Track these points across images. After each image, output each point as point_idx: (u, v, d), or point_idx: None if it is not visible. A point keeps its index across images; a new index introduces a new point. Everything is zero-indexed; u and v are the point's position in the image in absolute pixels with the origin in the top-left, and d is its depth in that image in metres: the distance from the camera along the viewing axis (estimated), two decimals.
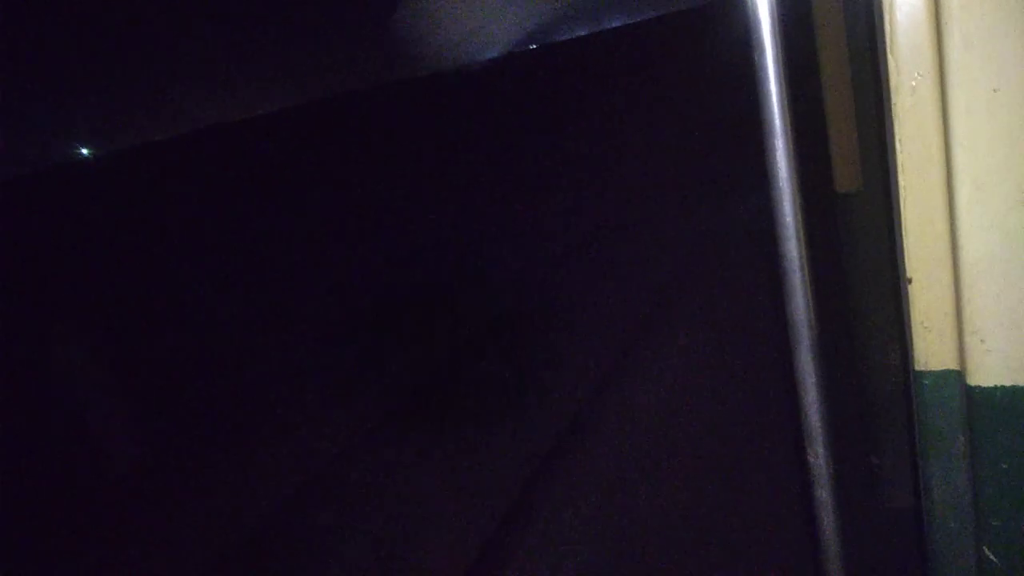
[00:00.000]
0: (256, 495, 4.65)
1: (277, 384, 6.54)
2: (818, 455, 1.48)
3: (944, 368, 1.34)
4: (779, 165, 1.30)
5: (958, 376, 1.33)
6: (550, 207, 10.79)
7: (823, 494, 1.50)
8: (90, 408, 7.15)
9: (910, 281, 1.30)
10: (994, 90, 1.12)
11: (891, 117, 1.22)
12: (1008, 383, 1.28)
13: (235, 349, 7.93)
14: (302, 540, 4.06)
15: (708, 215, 7.99)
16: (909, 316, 1.34)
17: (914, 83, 1.18)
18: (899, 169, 1.24)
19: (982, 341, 1.27)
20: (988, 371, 1.29)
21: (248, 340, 8.08)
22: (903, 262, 1.31)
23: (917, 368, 1.37)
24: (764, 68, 1.22)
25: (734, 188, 8.14)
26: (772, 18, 1.23)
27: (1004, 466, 1.35)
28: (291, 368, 6.87)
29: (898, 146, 1.22)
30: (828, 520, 1.51)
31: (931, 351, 1.34)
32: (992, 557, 1.43)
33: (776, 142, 1.26)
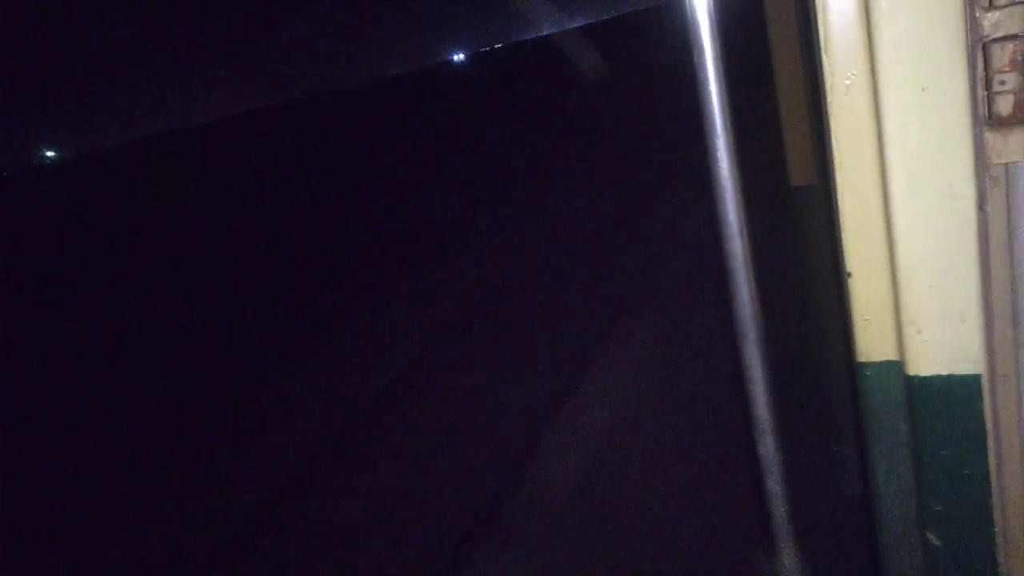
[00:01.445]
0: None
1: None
2: (768, 446, 1.51)
3: (885, 359, 1.37)
4: (721, 165, 1.32)
5: (898, 367, 1.36)
6: (499, 217, 10.77)
7: (775, 485, 1.53)
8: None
9: (850, 275, 1.33)
10: (923, 89, 1.15)
11: (827, 116, 1.24)
12: (945, 372, 1.32)
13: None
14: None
15: (662, 217, 8.05)
16: (850, 309, 1.38)
17: (847, 82, 1.21)
18: (836, 166, 1.26)
19: (919, 332, 1.30)
20: (926, 361, 1.33)
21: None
22: (842, 256, 1.34)
23: (859, 359, 1.40)
24: (704, 69, 1.24)
25: (686, 190, 8.21)
26: (710, 20, 1.25)
27: (944, 452, 1.39)
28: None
29: (834, 144, 1.25)
30: (780, 510, 1.54)
31: (872, 343, 1.37)
32: (936, 541, 1.47)
33: (717, 142, 1.28)
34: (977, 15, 1.18)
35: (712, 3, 1.24)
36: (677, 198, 8.12)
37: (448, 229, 11.14)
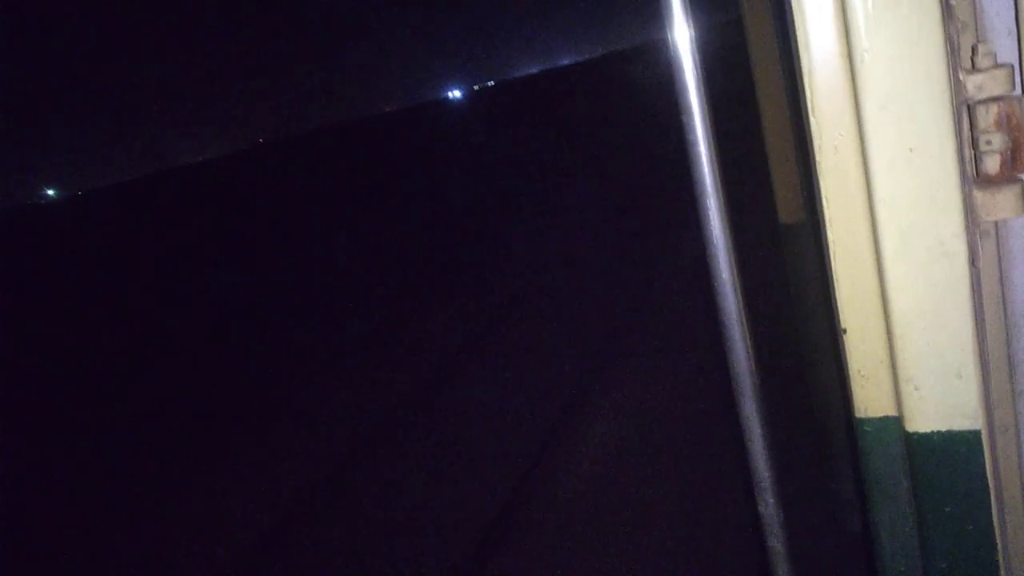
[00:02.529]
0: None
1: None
2: (768, 505, 1.49)
3: (883, 415, 1.37)
4: (711, 213, 1.32)
5: (896, 422, 1.36)
6: (495, 247, 10.84)
7: (776, 544, 1.51)
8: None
9: (845, 331, 1.33)
10: (910, 149, 1.17)
11: (816, 176, 1.25)
12: (944, 428, 1.32)
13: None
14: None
15: (652, 254, 8.09)
16: (847, 365, 1.37)
17: (835, 144, 1.22)
18: (828, 225, 1.27)
19: (916, 388, 1.30)
20: (924, 417, 1.32)
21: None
22: (837, 312, 1.34)
23: (858, 415, 1.40)
24: (689, 113, 1.25)
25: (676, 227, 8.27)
26: (694, 61, 1.26)
27: (947, 509, 1.38)
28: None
29: (825, 204, 1.26)
30: (783, 569, 1.52)
31: (869, 398, 1.37)
32: None
33: (708, 202, 1.29)
34: (961, 77, 1.20)
35: (695, 46, 1.25)
36: (677, 217, 8.19)
37: (458, 246, 11.23)
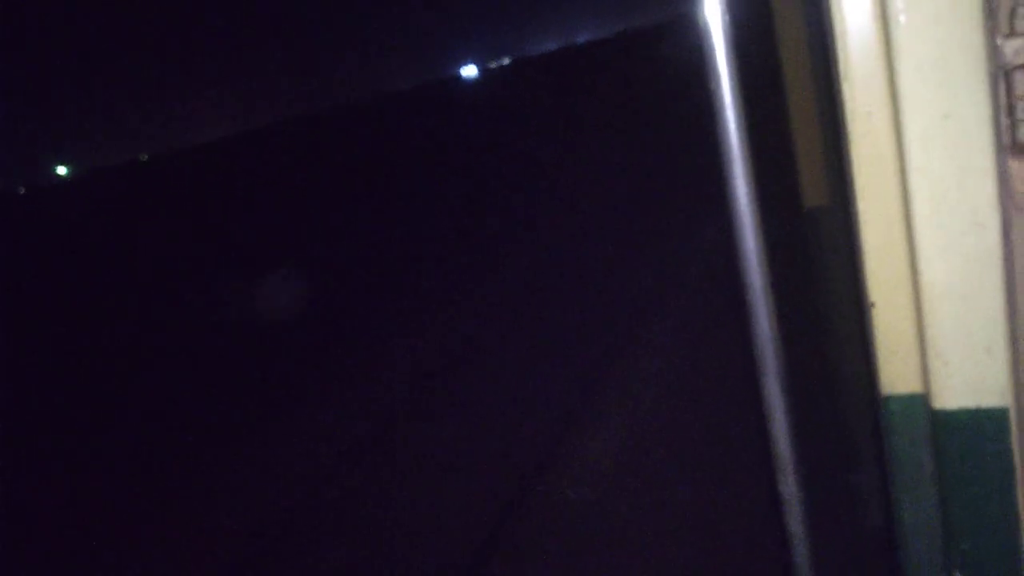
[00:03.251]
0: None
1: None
2: (790, 485, 1.46)
3: (910, 392, 1.34)
4: (739, 191, 1.29)
5: (923, 399, 1.33)
6: (510, 237, 10.77)
7: (796, 526, 1.48)
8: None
9: (873, 305, 1.30)
10: (945, 116, 1.13)
11: (848, 143, 1.22)
12: (972, 405, 1.28)
13: None
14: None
15: (673, 238, 8.02)
16: (874, 340, 1.34)
17: (868, 110, 1.18)
18: (858, 194, 1.24)
19: (945, 364, 1.27)
20: (952, 394, 1.29)
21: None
22: (864, 286, 1.31)
23: (883, 392, 1.36)
24: (718, 87, 1.22)
25: (698, 211, 8.20)
26: (725, 36, 1.22)
27: (972, 489, 1.35)
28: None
29: (856, 172, 1.22)
30: (802, 551, 1.49)
31: (896, 375, 1.33)
32: None
33: (735, 168, 1.25)
34: (999, 42, 1.16)
35: (727, 19, 1.22)
36: (698, 206, 8.10)
37: (469, 234, 11.18)
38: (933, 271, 1.22)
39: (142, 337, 10.18)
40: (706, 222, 7.61)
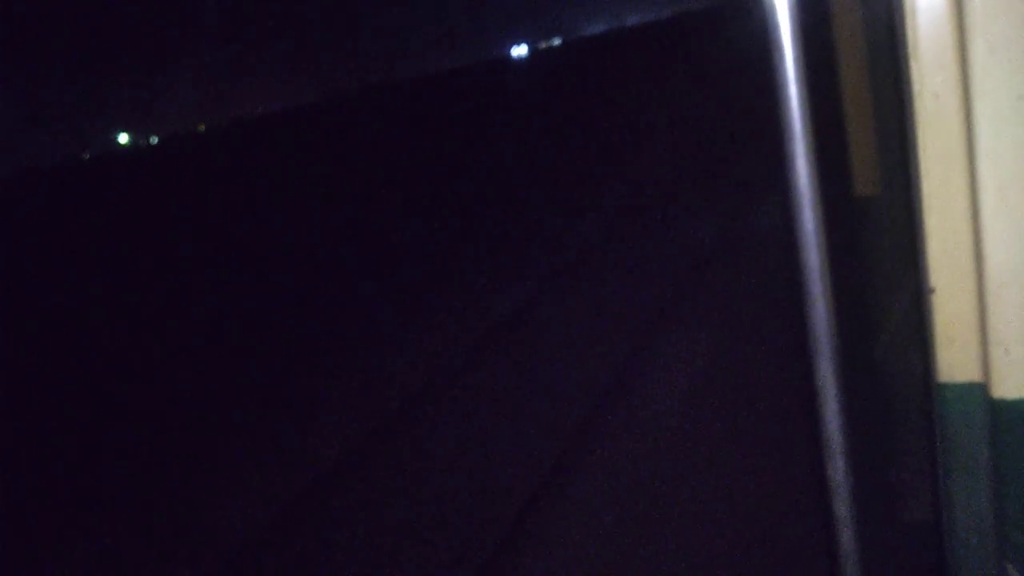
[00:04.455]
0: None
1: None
2: (838, 469, 1.45)
3: (968, 380, 1.31)
4: (798, 170, 1.27)
5: (982, 388, 1.30)
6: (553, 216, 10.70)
7: (842, 509, 1.46)
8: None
9: (933, 291, 1.28)
10: (1019, 97, 1.10)
11: (913, 123, 1.19)
12: None
13: None
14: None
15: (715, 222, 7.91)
16: (932, 326, 1.32)
17: (937, 89, 1.16)
18: (922, 176, 1.21)
19: (1007, 352, 1.24)
20: (1012, 382, 1.26)
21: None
22: (925, 271, 1.28)
23: (940, 380, 1.34)
24: (783, 69, 1.20)
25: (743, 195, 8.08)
26: (791, 16, 1.20)
27: None
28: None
29: (921, 153, 1.19)
30: (847, 536, 1.48)
31: (954, 362, 1.31)
32: (1015, 573, 1.40)
33: (795, 147, 1.23)
34: None
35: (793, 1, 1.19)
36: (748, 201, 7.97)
37: (485, 227, 11.14)
38: (998, 257, 1.19)
39: (189, 314, 10.33)
40: (757, 208, 7.49)
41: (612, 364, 5.21)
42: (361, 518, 4.13)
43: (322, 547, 3.94)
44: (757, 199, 7.46)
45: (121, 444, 5.96)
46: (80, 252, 20.01)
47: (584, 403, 4.76)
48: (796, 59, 1.22)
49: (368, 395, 5.74)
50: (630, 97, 23.54)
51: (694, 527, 3.34)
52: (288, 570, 3.86)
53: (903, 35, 1.18)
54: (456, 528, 3.81)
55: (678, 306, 6.04)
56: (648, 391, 4.73)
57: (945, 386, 1.33)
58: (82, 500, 5.21)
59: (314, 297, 9.25)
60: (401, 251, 10.56)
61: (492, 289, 7.72)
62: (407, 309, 7.71)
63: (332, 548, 3.91)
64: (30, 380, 8.37)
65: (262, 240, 14.47)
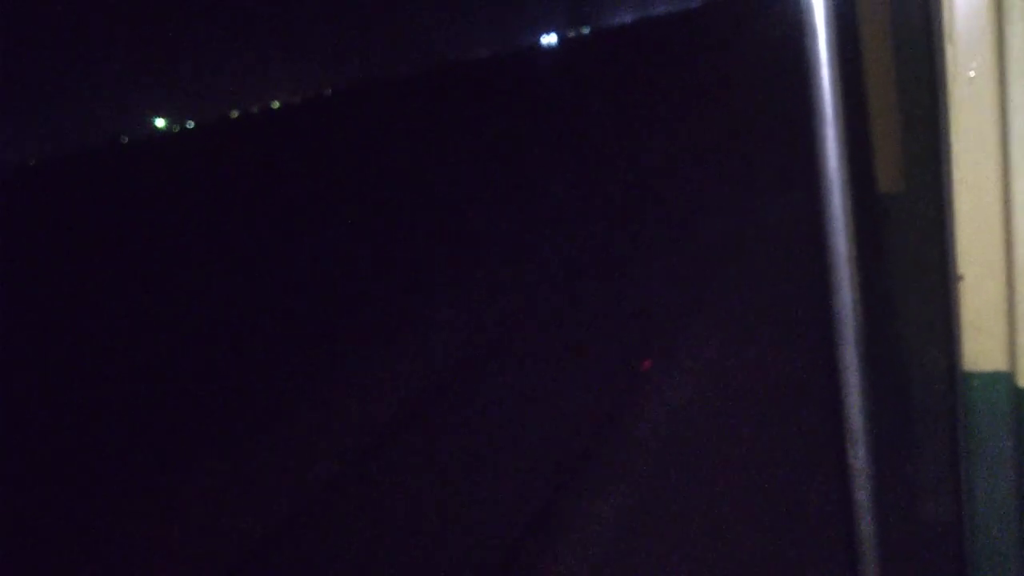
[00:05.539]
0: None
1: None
2: (859, 456, 1.44)
3: (994, 369, 1.30)
4: (830, 157, 1.26)
5: (1008, 377, 1.29)
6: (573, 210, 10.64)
7: (863, 497, 1.46)
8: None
9: (961, 278, 1.26)
10: None
11: (946, 109, 1.18)
12: None
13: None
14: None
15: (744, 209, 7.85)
16: (959, 315, 1.31)
17: (972, 74, 1.14)
18: (954, 162, 1.20)
19: None
20: None
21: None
22: (954, 259, 1.27)
23: (966, 369, 1.33)
24: (815, 55, 1.19)
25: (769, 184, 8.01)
26: (824, 3, 1.19)
27: None
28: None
29: (953, 139, 1.18)
30: (867, 524, 1.47)
31: (981, 351, 1.30)
32: None
33: (827, 131, 1.22)
34: None
35: None
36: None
37: (505, 221, 11.07)
38: None
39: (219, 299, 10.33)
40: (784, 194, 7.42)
41: (637, 351, 5.21)
42: (363, 521, 4.11)
43: (324, 547, 3.92)
44: (786, 185, 7.39)
45: (121, 443, 5.90)
46: (118, 234, 20.23)
47: (608, 393, 4.77)
48: (828, 45, 1.21)
49: (374, 393, 5.72)
50: (658, 87, 23.35)
51: (718, 512, 3.34)
52: (290, 569, 3.85)
53: (939, 19, 1.17)
54: (461, 531, 3.80)
55: (705, 293, 6.04)
56: (672, 378, 4.73)
57: (971, 375, 1.32)
58: (81, 499, 5.15)
59: (332, 288, 9.27)
60: (416, 245, 10.55)
61: (510, 284, 7.70)
62: (418, 307, 7.67)
63: (334, 549, 3.89)
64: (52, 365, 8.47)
65: (286, 229, 14.50)
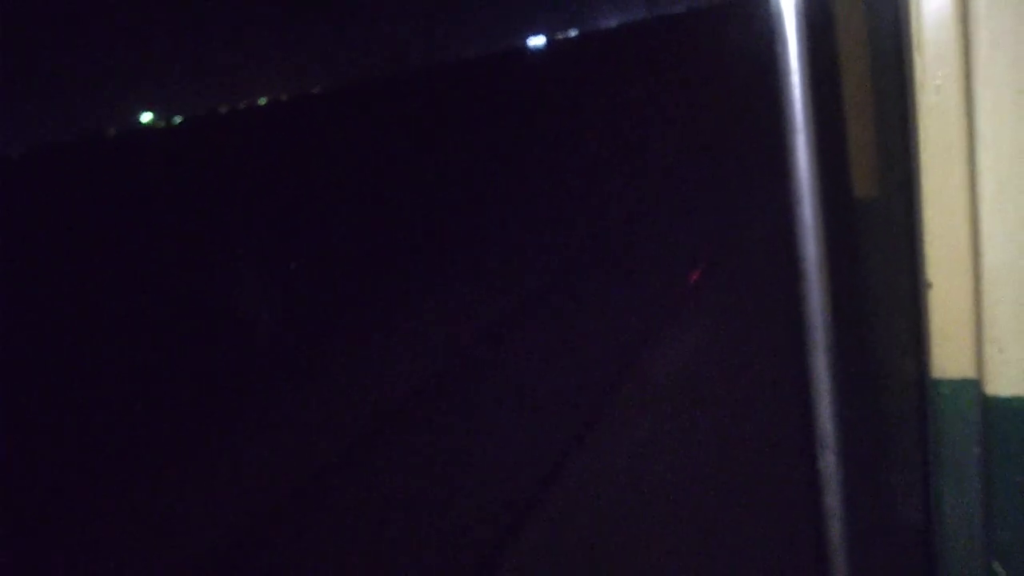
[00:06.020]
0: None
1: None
2: (829, 462, 1.45)
3: (962, 376, 1.31)
4: (800, 164, 1.27)
5: (976, 385, 1.30)
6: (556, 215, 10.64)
7: (833, 502, 1.46)
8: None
9: (930, 286, 1.27)
10: (1020, 91, 1.09)
11: (915, 117, 1.19)
12: None
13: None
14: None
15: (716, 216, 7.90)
16: (927, 322, 1.31)
17: (939, 82, 1.15)
18: (922, 170, 1.21)
19: (1000, 351, 1.24)
20: (1006, 380, 1.26)
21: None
22: (922, 266, 1.28)
23: (934, 376, 1.34)
24: (786, 62, 1.19)
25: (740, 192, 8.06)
26: (796, 11, 1.20)
27: (1018, 478, 1.32)
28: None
29: (922, 147, 1.19)
30: (836, 529, 1.48)
31: (949, 358, 1.31)
32: (1002, 571, 1.40)
33: (797, 139, 1.23)
34: None
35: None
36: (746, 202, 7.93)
37: (514, 212, 11.05)
38: (996, 253, 1.19)
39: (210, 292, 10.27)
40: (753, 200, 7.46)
41: (613, 360, 5.21)
42: (358, 517, 4.09)
43: (320, 544, 3.91)
44: (757, 192, 7.44)
45: (120, 441, 5.87)
46: (105, 225, 20.10)
47: (584, 399, 4.77)
48: (800, 53, 1.22)
49: (373, 388, 5.71)
50: (637, 91, 23.48)
51: (688, 516, 3.35)
52: (283, 564, 3.84)
53: (907, 29, 1.17)
54: (452, 527, 3.79)
55: (677, 300, 6.05)
56: (645, 385, 4.74)
57: (939, 382, 1.33)
58: (78, 498, 5.09)
59: (324, 284, 9.24)
60: (411, 240, 10.53)
61: (500, 283, 7.69)
62: (414, 300, 7.67)
63: (328, 546, 3.88)
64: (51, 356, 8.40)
65: (273, 228, 14.45)
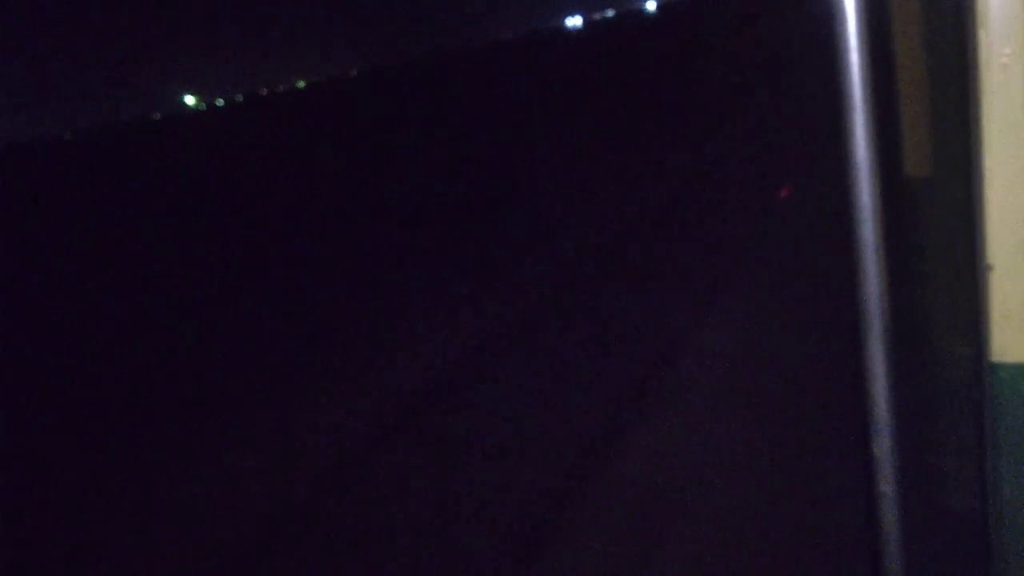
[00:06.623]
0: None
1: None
2: (884, 448, 1.43)
3: (1022, 360, 1.28)
4: (858, 143, 1.24)
5: None
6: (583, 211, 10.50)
7: (888, 489, 1.45)
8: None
9: (991, 268, 1.25)
10: None
11: (977, 95, 1.16)
12: None
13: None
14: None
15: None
16: (987, 305, 1.29)
17: (1005, 60, 1.12)
18: (984, 149, 1.18)
19: None
20: None
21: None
22: (983, 248, 1.25)
23: (993, 359, 1.31)
24: (844, 40, 1.17)
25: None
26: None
27: None
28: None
29: (984, 125, 1.16)
30: (891, 516, 1.46)
31: (1009, 342, 1.28)
32: None
33: (854, 118, 1.21)
34: None
35: None
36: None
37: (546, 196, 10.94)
38: None
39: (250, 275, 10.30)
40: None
41: (660, 336, 5.19)
42: (363, 519, 4.06)
43: (324, 547, 3.88)
44: (813, 172, 7.30)
45: (120, 440, 5.82)
46: (147, 209, 20.39)
47: (626, 384, 4.73)
48: (858, 31, 1.19)
49: (379, 388, 5.65)
50: (686, 71, 23.13)
51: (741, 502, 3.33)
52: (286, 569, 3.81)
53: (971, 3, 1.14)
54: (465, 529, 3.75)
55: (731, 278, 6.02)
56: (696, 364, 4.72)
57: (998, 366, 1.31)
58: (78, 498, 5.07)
59: (336, 282, 9.17)
60: (430, 234, 10.42)
61: (532, 272, 7.62)
62: (430, 299, 7.58)
63: (332, 549, 3.85)
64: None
65: (301, 216, 14.45)
